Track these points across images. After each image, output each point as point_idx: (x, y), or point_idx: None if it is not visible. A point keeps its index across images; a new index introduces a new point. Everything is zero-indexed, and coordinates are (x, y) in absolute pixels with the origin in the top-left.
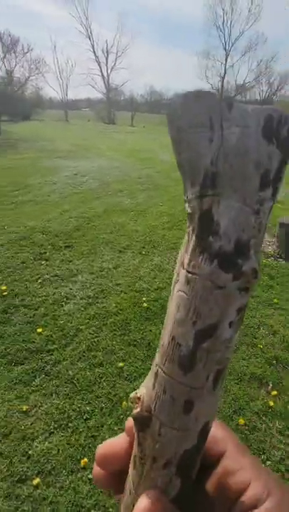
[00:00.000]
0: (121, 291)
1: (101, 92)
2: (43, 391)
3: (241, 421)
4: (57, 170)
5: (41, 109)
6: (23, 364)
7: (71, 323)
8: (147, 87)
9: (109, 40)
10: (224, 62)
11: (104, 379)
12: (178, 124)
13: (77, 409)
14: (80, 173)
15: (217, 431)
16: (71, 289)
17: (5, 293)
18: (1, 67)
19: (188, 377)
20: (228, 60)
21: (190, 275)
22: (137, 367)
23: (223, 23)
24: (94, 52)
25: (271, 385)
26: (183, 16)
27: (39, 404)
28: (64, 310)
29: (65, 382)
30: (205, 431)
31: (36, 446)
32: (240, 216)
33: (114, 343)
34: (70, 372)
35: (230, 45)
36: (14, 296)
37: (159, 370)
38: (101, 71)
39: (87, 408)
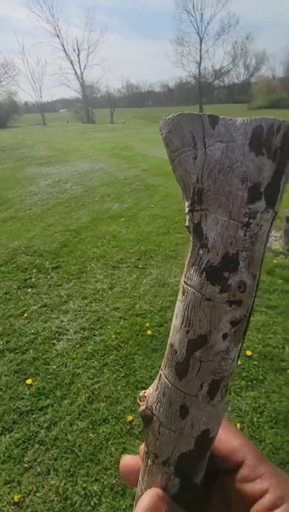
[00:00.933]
0: (120, 317)
1: (76, 90)
2: (38, 468)
3: None
4: (38, 179)
5: (17, 114)
6: (12, 431)
7: (66, 366)
8: (123, 81)
9: (79, 37)
10: (199, 47)
11: (111, 441)
12: (170, 147)
13: (82, 492)
14: (62, 180)
15: (236, 440)
16: (62, 321)
17: None
18: None
19: (183, 383)
20: (203, 45)
21: (185, 285)
22: None
23: (193, 7)
24: (64, 50)
25: None
26: (154, 5)
27: (34, 489)
28: (56, 350)
29: (65, 452)
30: (204, 439)
31: None
32: (228, 230)
33: (118, 388)
34: (70, 436)
35: (204, 29)
36: None
37: (162, 373)
38: (74, 69)
39: (94, 488)
